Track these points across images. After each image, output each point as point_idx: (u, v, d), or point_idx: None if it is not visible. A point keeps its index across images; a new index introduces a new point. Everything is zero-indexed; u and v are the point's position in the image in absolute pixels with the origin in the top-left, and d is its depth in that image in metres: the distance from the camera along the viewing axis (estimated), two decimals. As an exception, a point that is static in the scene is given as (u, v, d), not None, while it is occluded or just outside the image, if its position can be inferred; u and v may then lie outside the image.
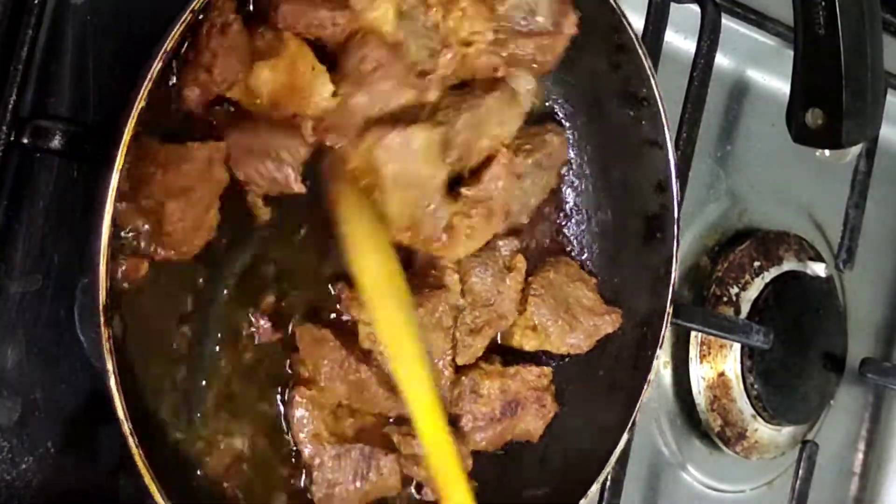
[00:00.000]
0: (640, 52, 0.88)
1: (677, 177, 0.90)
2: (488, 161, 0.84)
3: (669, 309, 0.89)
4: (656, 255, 0.91)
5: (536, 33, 0.85)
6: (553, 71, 0.89)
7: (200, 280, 0.78)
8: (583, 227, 0.96)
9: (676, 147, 0.99)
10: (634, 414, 0.88)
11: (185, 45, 0.73)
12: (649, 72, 0.88)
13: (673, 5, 1.01)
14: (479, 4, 0.82)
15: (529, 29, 0.85)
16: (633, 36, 0.87)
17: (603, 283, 0.94)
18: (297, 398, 0.81)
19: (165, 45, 0.68)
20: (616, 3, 0.86)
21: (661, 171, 0.90)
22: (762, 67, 1.20)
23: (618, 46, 0.89)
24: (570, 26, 0.86)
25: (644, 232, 0.92)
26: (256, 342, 0.81)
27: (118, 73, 0.80)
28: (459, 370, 0.87)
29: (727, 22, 1.07)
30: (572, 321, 0.91)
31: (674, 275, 0.90)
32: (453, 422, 0.87)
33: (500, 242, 0.89)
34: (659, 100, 0.89)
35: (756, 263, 1.18)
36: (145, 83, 0.67)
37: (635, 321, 0.92)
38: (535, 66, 0.87)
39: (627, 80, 0.90)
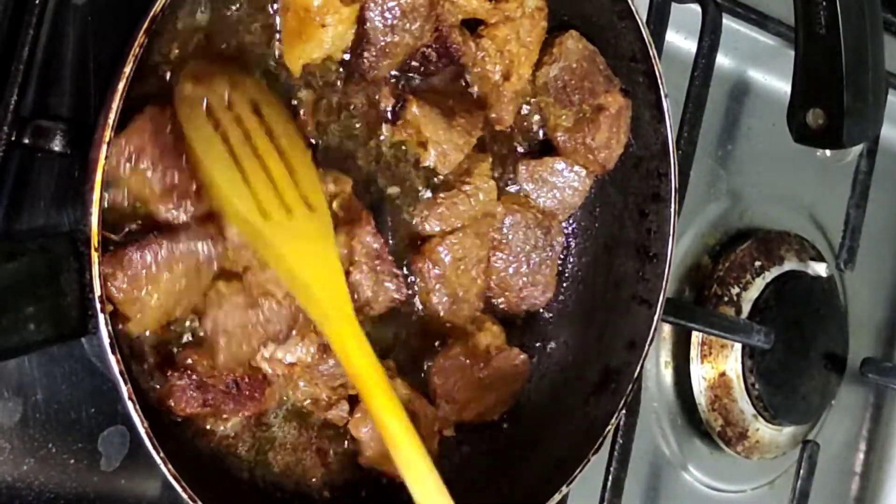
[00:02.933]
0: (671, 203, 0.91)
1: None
2: None
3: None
4: (601, 407, 0.90)
5: None
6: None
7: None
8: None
9: (677, 147, 0.99)
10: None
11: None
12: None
13: (674, 5, 1.01)
14: None
15: None
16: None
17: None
18: None
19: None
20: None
21: (639, 330, 0.90)
22: (763, 67, 1.20)
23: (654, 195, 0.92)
24: None
25: (598, 381, 0.92)
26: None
27: (119, 74, 0.80)
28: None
29: (728, 22, 1.07)
30: None
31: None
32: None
33: None
34: (668, 257, 0.90)
35: (757, 263, 1.18)
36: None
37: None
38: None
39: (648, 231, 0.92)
